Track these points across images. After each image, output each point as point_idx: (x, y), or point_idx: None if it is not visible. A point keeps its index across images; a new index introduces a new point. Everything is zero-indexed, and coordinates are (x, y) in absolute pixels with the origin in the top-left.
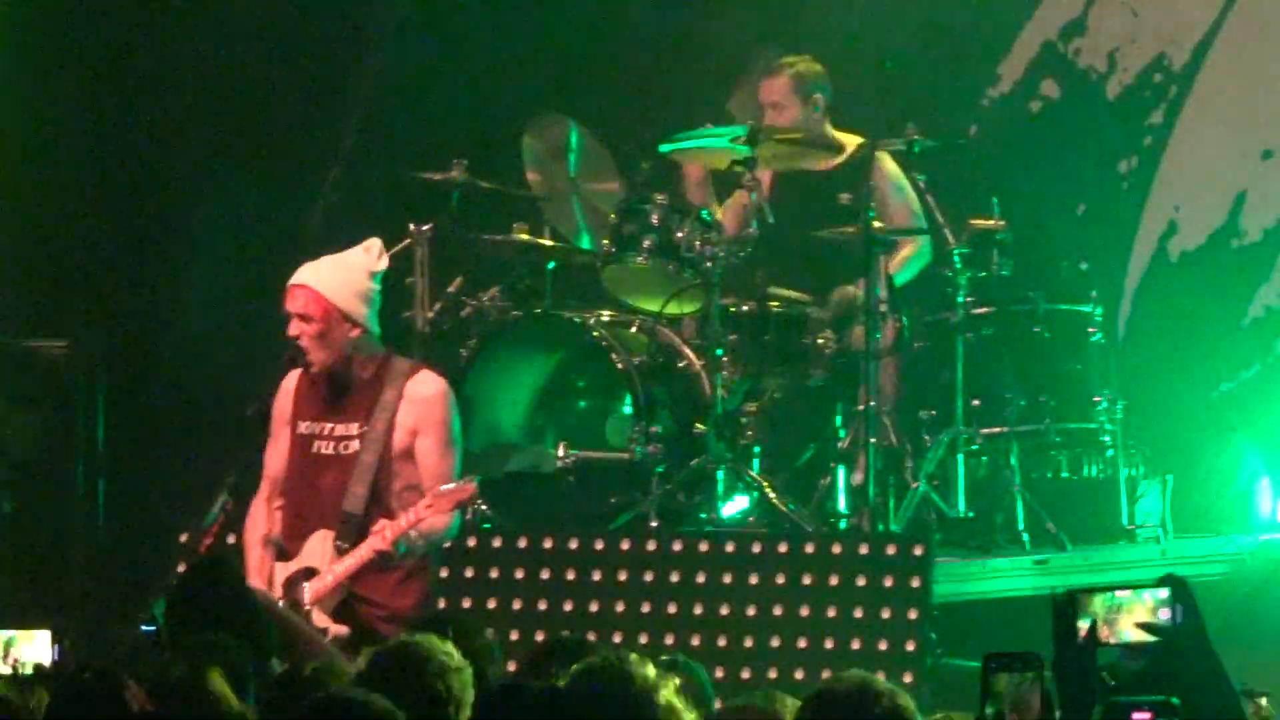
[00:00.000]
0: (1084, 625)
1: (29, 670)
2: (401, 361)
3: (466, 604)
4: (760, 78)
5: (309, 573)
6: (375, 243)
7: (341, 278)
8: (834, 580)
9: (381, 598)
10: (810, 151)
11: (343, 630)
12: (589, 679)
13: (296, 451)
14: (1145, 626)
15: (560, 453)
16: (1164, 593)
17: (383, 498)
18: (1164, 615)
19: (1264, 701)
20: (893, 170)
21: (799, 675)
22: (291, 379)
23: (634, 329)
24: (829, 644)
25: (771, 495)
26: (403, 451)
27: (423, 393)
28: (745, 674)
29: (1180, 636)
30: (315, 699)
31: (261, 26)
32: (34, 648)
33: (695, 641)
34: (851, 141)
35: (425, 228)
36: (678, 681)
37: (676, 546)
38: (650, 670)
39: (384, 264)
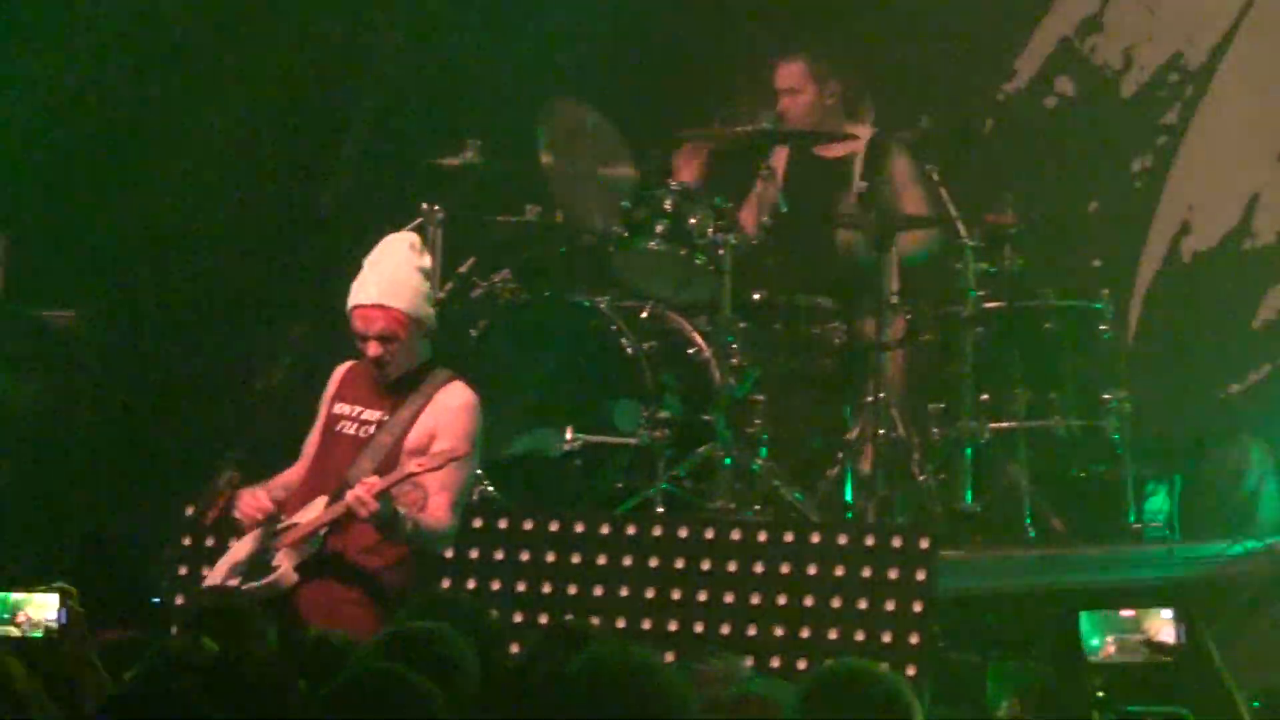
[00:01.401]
0: (1086, 643)
1: (39, 633)
2: (443, 370)
3: (471, 585)
4: (777, 62)
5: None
6: (415, 239)
7: (413, 288)
8: (839, 571)
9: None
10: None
11: (292, 577)
12: (596, 666)
13: (325, 431)
14: (1149, 645)
15: (568, 436)
16: (1168, 612)
17: None
18: (1167, 635)
19: None
20: (908, 161)
21: (801, 665)
22: (342, 368)
23: (644, 314)
24: (833, 635)
25: (778, 484)
26: (415, 449)
27: (452, 402)
28: (748, 662)
29: (1184, 656)
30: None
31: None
32: (42, 610)
33: (699, 628)
34: (864, 133)
35: (437, 208)
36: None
37: (682, 533)
38: (658, 659)
39: (429, 258)
